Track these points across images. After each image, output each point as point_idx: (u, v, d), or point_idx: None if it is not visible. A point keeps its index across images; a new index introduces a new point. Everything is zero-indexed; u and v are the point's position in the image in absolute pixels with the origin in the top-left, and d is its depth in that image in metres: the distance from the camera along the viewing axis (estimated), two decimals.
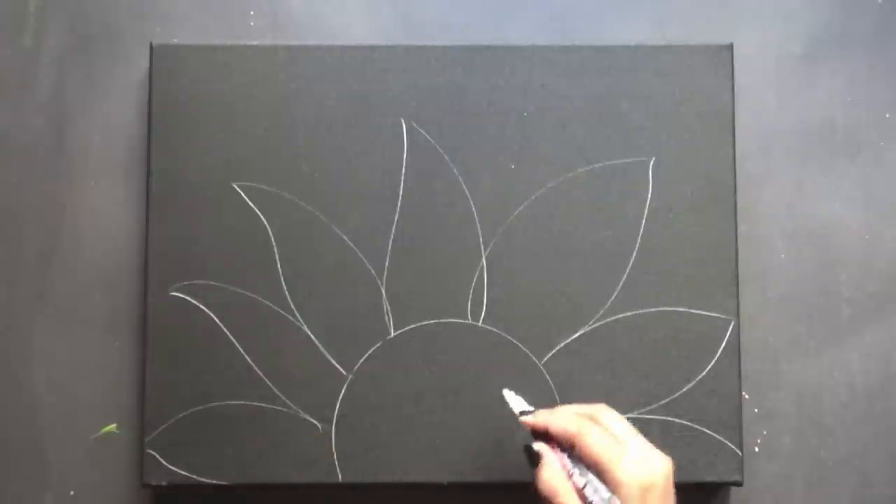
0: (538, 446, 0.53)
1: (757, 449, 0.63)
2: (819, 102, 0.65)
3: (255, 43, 0.63)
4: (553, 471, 0.51)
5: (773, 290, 0.64)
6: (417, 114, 0.62)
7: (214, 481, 0.60)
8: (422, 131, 0.62)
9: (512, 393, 0.57)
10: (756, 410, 0.63)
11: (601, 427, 0.51)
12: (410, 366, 0.61)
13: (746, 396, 0.63)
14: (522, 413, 0.55)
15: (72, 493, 0.63)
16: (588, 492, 0.50)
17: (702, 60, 0.62)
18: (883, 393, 0.63)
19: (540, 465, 0.52)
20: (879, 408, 0.63)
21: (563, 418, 0.53)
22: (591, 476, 0.50)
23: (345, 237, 0.61)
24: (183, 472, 0.60)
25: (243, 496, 0.62)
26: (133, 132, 0.64)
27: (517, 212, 0.62)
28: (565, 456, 0.52)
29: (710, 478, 0.60)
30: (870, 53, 0.66)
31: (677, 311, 0.61)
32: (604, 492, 0.49)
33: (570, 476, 0.51)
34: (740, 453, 0.60)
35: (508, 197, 0.62)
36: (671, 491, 0.50)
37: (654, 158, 0.62)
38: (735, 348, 0.61)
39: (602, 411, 0.53)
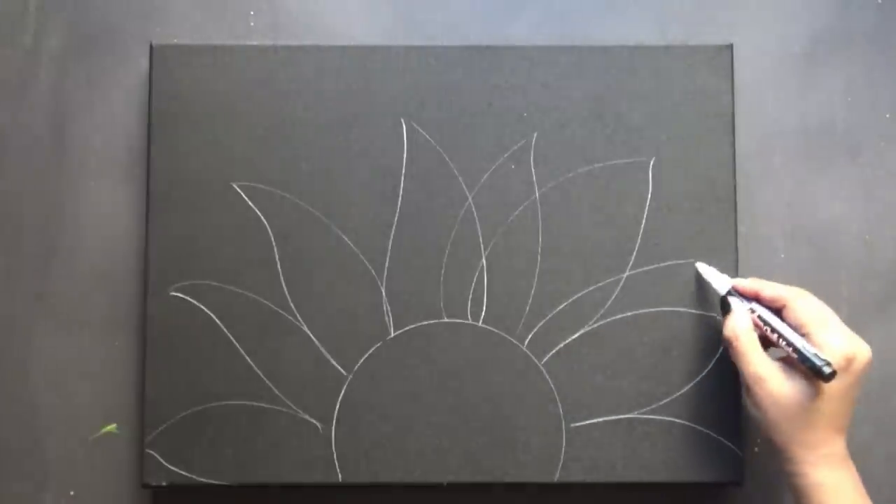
0: (732, 299, 0.58)
1: (757, 449, 0.63)
2: (819, 102, 0.65)
3: (255, 43, 0.63)
4: (739, 318, 0.56)
5: None
6: (417, 114, 0.62)
7: (214, 481, 0.60)
8: (422, 131, 0.62)
9: (704, 265, 0.60)
10: None
11: (813, 298, 0.56)
12: (410, 366, 0.61)
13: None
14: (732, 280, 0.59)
15: (72, 493, 0.63)
16: (786, 341, 0.54)
17: (702, 60, 0.62)
18: (883, 393, 0.63)
19: (730, 314, 0.57)
20: (879, 408, 0.63)
21: (776, 285, 0.57)
22: (790, 331, 0.54)
23: (345, 237, 0.61)
24: (183, 472, 0.60)
25: (243, 496, 0.62)
26: (133, 132, 0.64)
27: (517, 212, 0.62)
28: (756, 308, 0.56)
29: (710, 478, 0.60)
30: (870, 53, 0.66)
31: (677, 311, 0.61)
32: (809, 347, 0.53)
33: (762, 328, 0.56)
34: (740, 453, 0.60)
35: (508, 197, 0.62)
36: (863, 377, 0.54)
37: (654, 158, 0.62)
38: None
39: (808, 293, 0.56)
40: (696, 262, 0.61)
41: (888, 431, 0.63)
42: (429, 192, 0.62)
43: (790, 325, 0.55)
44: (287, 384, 0.61)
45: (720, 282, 0.59)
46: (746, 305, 0.57)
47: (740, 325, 0.56)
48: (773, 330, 0.55)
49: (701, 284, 0.61)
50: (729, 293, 0.58)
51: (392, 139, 0.62)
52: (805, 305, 0.55)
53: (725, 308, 0.58)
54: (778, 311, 0.56)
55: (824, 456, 0.53)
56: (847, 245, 0.64)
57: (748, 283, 0.58)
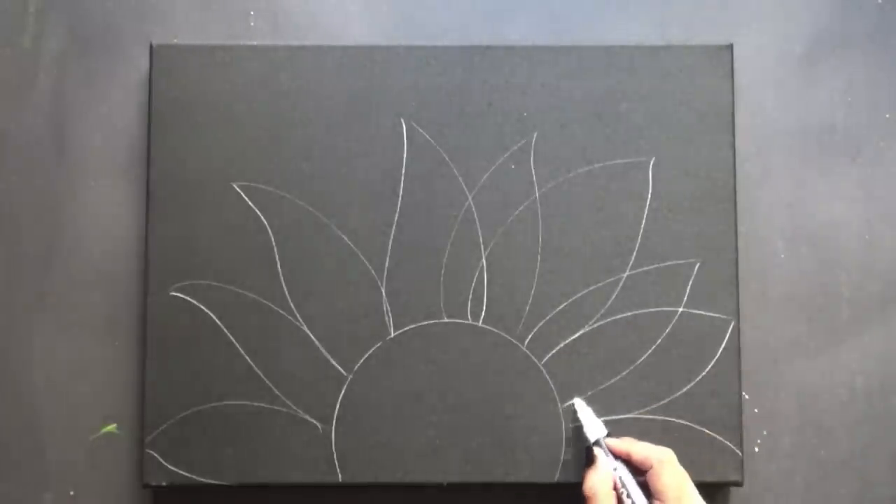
0: (598, 451, 0.57)
1: (757, 449, 0.63)
2: (819, 102, 0.65)
3: (255, 43, 0.63)
4: (602, 475, 0.56)
5: (773, 290, 0.64)
6: (417, 114, 0.62)
7: (214, 481, 0.60)
8: (422, 131, 0.62)
9: (583, 403, 0.60)
10: (756, 410, 0.63)
11: (676, 468, 0.56)
12: (410, 366, 0.61)
13: (746, 396, 0.63)
14: (608, 436, 0.58)
15: (72, 493, 0.63)
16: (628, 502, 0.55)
17: (702, 60, 0.62)
18: (883, 393, 0.63)
19: (592, 467, 0.57)
20: (879, 408, 0.63)
21: (645, 447, 0.57)
22: (645, 501, 0.55)
23: (345, 237, 0.61)
24: (183, 472, 0.60)
25: (243, 496, 0.62)
26: (133, 132, 0.64)
27: (517, 212, 0.62)
28: (619, 469, 0.56)
29: (710, 478, 0.60)
30: (870, 54, 0.66)
31: (677, 311, 0.61)
32: None
33: (617, 488, 0.56)
34: (740, 453, 0.60)
35: (508, 197, 0.62)
36: None
37: (654, 158, 0.62)
38: (735, 348, 0.61)
39: (674, 458, 0.57)
40: (575, 398, 0.60)
41: (888, 431, 0.63)
42: (429, 192, 0.62)
43: (651, 490, 0.55)
44: (287, 384, 0.61)
45: (593, 428, 0.58)
46: (612, 463, 0.57)
47: (601, 486, 0.56)
48: (629, 495, 0.55)
49: (701, 284, 0.61)
50: (597, 443, 0.58)
51: (392, 139, 0.62)
52: (667, 475, 0.55)
53: (589, 457, 0.58)
54: (642, 473, 0.56)
55: None
56: (847, 245, 0.64)
57: (620, 444, 0.57)
